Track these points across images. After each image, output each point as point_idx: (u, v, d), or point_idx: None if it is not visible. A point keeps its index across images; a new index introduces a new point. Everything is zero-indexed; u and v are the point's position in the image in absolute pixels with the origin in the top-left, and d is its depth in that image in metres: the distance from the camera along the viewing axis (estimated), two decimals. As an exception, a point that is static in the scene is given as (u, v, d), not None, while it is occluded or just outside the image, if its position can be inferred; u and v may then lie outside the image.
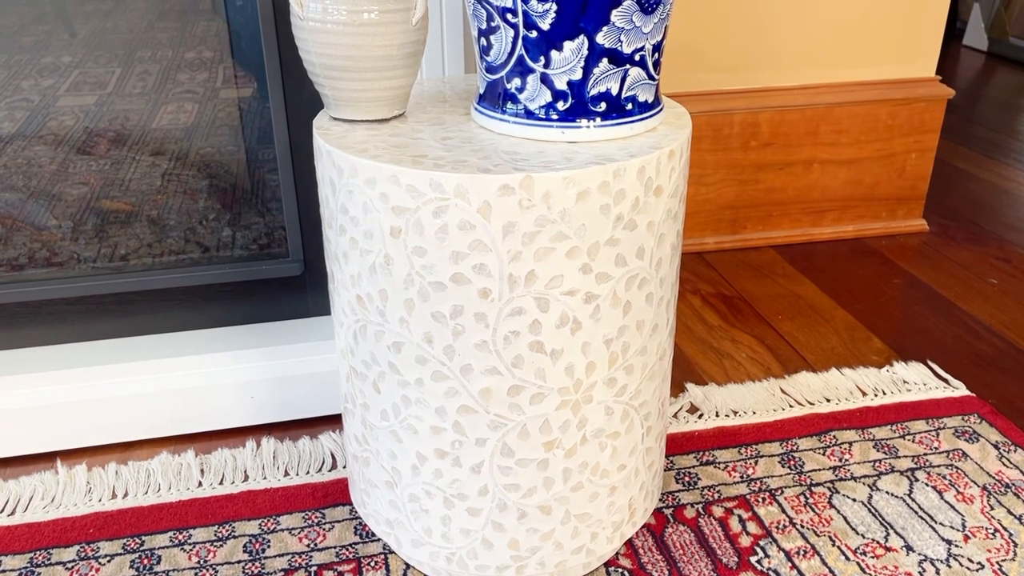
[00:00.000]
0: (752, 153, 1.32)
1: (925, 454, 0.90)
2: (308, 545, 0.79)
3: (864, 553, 0.78)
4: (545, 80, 0.62)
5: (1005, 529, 0.81)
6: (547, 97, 0.63)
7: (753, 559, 0.78)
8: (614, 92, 0.63)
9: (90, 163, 0.94)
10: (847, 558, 0.78)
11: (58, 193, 0.93)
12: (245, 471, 0.89)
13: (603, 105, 0.63)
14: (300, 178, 0.94)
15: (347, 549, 0.79)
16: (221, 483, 0.87)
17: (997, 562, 0.77)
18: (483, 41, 0.64)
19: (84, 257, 0.95)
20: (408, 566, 0.77)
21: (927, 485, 0.86)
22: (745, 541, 0.80)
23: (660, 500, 0.84)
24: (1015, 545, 0.79)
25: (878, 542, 0.79)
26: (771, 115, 1.30)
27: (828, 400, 1.00)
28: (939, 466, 0.89)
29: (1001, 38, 2.70)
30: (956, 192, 1.61)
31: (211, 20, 0.91)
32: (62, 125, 0.92)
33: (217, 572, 0.76)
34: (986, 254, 1.37)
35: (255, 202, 0.98)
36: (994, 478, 0.87)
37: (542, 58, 0.61)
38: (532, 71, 0.62)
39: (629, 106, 0.64)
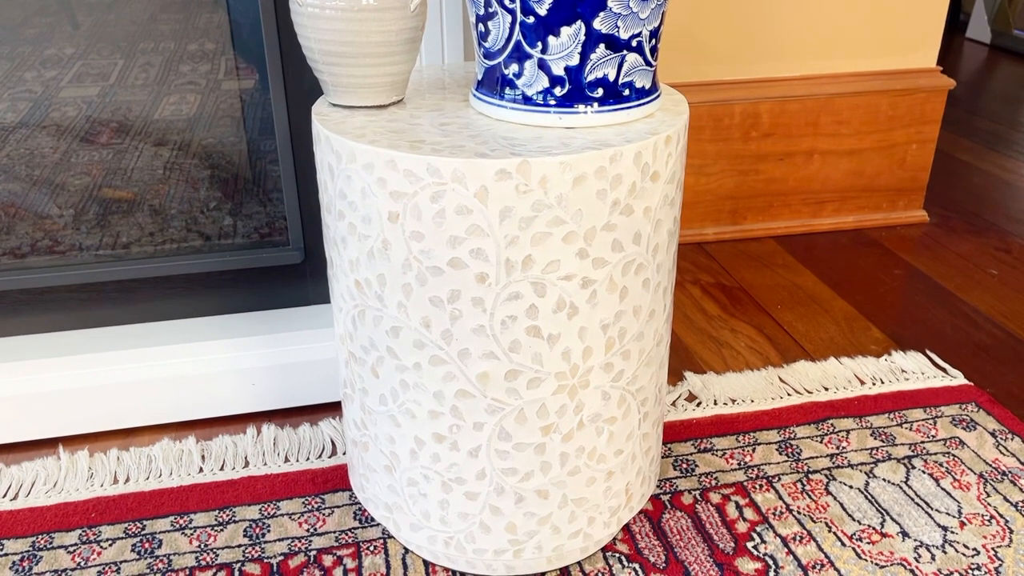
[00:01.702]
0: (752, 144, 1.33)
1: (922, 442, 0.91)
2: (308, 530, 0.80)
3: (860, 539, 0.79)
4: (542, 66, 0.63)
5: (1001, 516, 0.81)
6: (544, 83, 0.63)
7: (749, 544, 0.78)
8: (611, 78, 0.63)
9: (92, 153, 0.94)
10: (843, 544, 0.78)
11: (61, 182, 0.94)
12: (245, 457, 0.89)
13: (600, 91, 0.63)
14: (300, 167, 0.94)
15: (346, 534, 0.79)
16: (222, 469, 0.88)
17: (992, 548, 0.77)
18: (481, 27, 0.65)
19: (86, 245, 0.95)
20: (407, 550, 0.78)
21: (924, 472, 0.87)
22: (742, 527, 0.80)
23: (658, 486, 0.85)
24: (1011, 531, 0.79)
25: (874, 528, 0.80)
26: (771, 105, 1.31)
27: (826, 389, 1.00)
28: (936, 454, 0.89)
29: (1004, 31, 2.69)
30: (957, 183, 1.61)
31: (213, 12, 0.92)
32: (65, 116, 0.92)
33: (218, 556, 0.77)
34: (986, 245, 1.37)
35: (256, 191, 0.98)
36: (991, 466, 0.87)
37: (539, 44, 0.62)
38: (529, 57, 0.63)
39: (626, 92, 0.65)
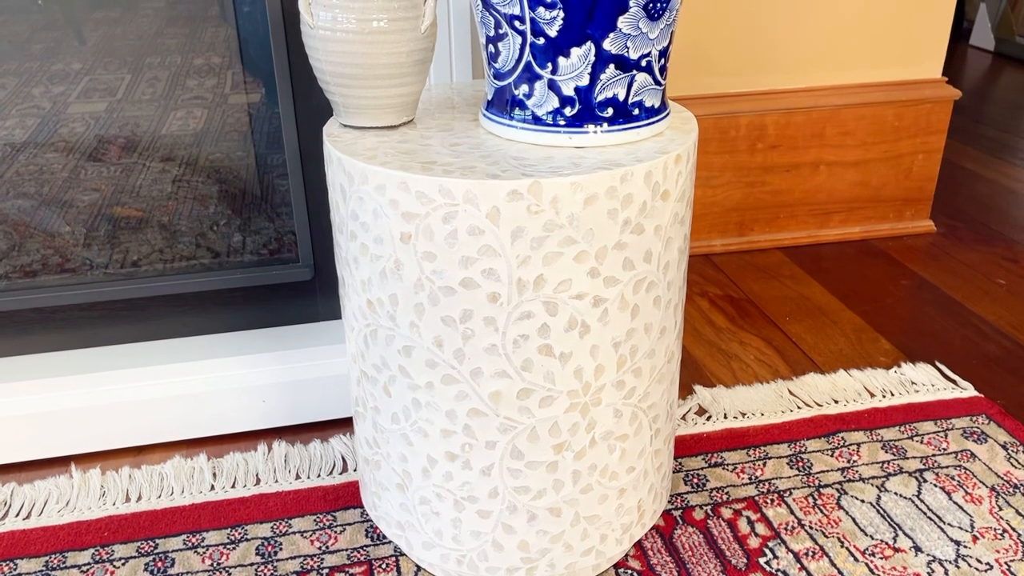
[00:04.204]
0: (758, 155, 1.33)
1: (933, 455, 0.91)
2: (320, 548, 0.80)
3: (873, 554, 0.78)
4: (552, 86, 0.63)
5: (1014, 529, 0.81)
6: (554, 103, 0.63)
7: (762, 560, 0.78)
8: (621, 98, 0.64)
9: (101, 169, 0.95)
10: (856, 559, 0.78)
11: (70, 200, 0.94)
12: (257, 474, 0.89)
13: (610, 110, 0.64)
14: (310, 183, 0.94)
15: (358, 552, 0.79)
16: (233, 486, 0.88)
17: (1006, 563, 0.77)
18: (491, 48, 0.65)
19: (96, 263, 0.96)
20: (419, 568, 0.78)
21: (935, 486, 0.86)
22: (754, 542, 0.80)
23: (669, 502, 0.85)
24: (1023, 545, 0.79)
25: (887, 543, 0.80)
26: (777, 117, 1.31)
27: (836, 401, 1.00)
28: (947, 467, 0.89)
29: (1008, 38, 2.69)
30: (963, 193, 1.61)
31: (219, 26, 0.92)
32: (73, 132, 0.93)
33: (230, 575, 0.77)
34: (994, 255, 1.37)
35: (265, 207, 0.98)
36: (1002, 479, 0.87)
37: (549, 64, 0.62)
38: (540, 77, 0.63)
39: (636, 111, 0.65)
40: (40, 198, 0.93)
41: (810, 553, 0.79)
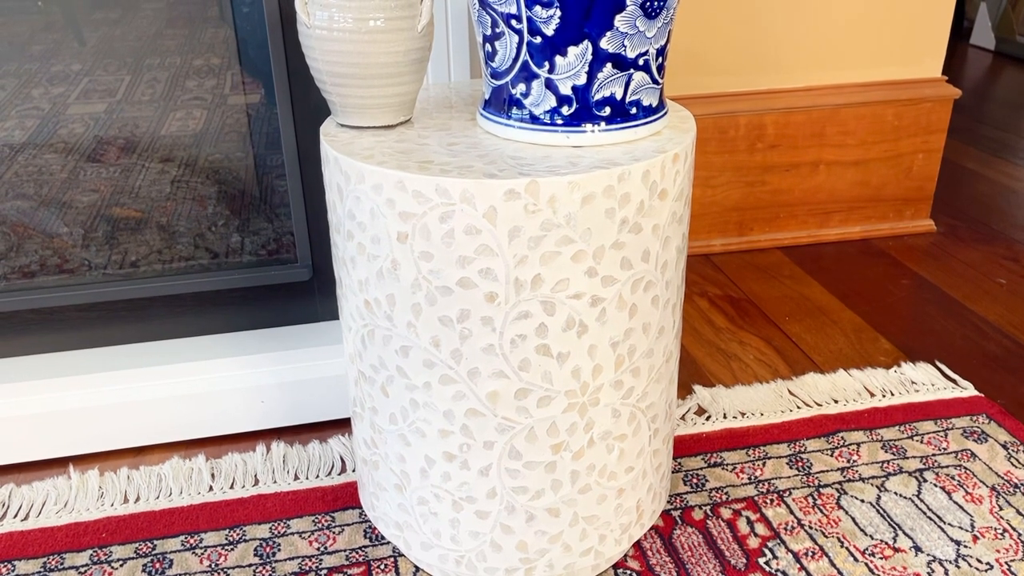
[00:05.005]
0: (758, 155, 1.33)
1: (933, 455, 0.90)
2: (318, 548, 0.80)
3: (873, 554, 0.78)
4: (550, 85, 0.63)
5: (1014, 529, 0.81)
6: (552, 102, 0.63)
7: (761, 560, 0.78)
8: (618, 96, 0.63)
9: (100, 170, 0.94)
10: (855, 559, 0.78)
11: (69, 200, 0.94)
12: (255, 475, 0.89)
13: (607, 110, 0.64)
14: (308, 184, 0.94)
15: (357, 552, 0.79)
16: (232, 487, 0.88)
17: (1006, 562, 0.77)
18: (488, 47, 0.65)
19: (95, 264, 0.96)
20: (417, 569, 0.77)
21: (935, 486, 0.86)
22: (753, 543, 0.80)
23: (668, 502, 0.85)
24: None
25: (887, 543, 0.79)
26: (776, 117, 1.31)
27: (836, 401, 1.00)
28: (947, 467, 0.89)
29: (1008, 37, 2.69)
30: (964, 192, 1.61)
31: (218, 27, 0.92)
32: (72, 133, 0.93)
33: (228, 576, 0.77)
34: (994, 254, 1.37)
35: (263, 208, 0.98)
36: (1003, 478, 0.87)
37: (546, 63, 0.62)
38: (537, 76, 0.63)
39: (633, 110, 0.65)
40: (39, 199, 0.93)
41: (810, 553, 0.78)
